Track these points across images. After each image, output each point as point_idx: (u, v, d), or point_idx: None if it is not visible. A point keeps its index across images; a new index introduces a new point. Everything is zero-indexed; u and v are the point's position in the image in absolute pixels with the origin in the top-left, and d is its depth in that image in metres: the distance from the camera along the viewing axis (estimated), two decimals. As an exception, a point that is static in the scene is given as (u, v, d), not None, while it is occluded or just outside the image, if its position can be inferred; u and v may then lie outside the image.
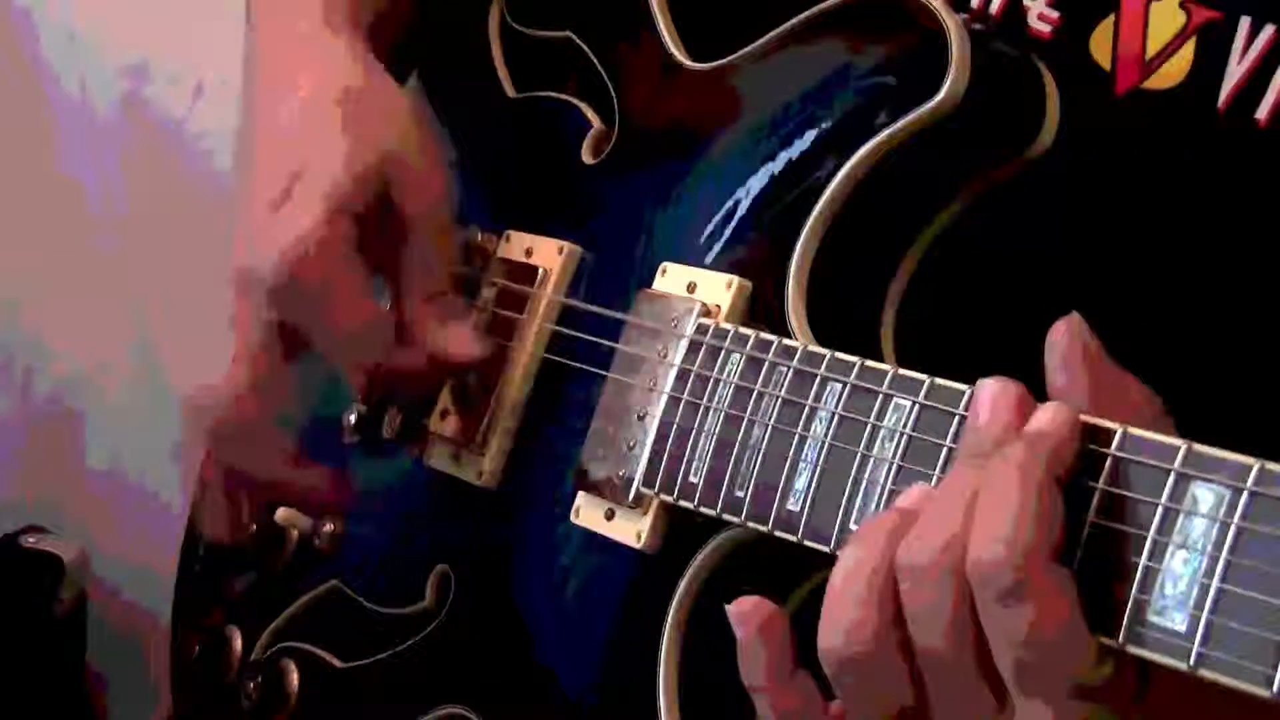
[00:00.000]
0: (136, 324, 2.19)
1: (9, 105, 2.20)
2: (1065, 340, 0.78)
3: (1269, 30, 0.97)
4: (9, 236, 2.19)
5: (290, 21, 1.16)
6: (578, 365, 1.06)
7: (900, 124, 0.94)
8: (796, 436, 0.89)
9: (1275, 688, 0.68)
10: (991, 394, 0.78)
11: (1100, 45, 1.01)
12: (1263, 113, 0.97)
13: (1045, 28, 1.02)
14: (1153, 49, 1.00)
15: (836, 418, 0.88)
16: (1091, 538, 0.75)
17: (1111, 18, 1.01)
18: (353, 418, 1.18)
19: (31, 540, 2.07)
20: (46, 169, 2.21)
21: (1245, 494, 0.71)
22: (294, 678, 1.19)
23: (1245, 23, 0.97)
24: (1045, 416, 0.76)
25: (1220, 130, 0.98)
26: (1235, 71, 0.97)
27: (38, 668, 2.07)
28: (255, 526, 1.23)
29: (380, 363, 1.07)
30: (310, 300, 1.06)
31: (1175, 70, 0.99)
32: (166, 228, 2.14)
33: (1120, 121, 1.00)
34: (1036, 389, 0.79)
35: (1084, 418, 0.76)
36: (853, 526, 0.85)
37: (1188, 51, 0.99)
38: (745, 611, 0.83)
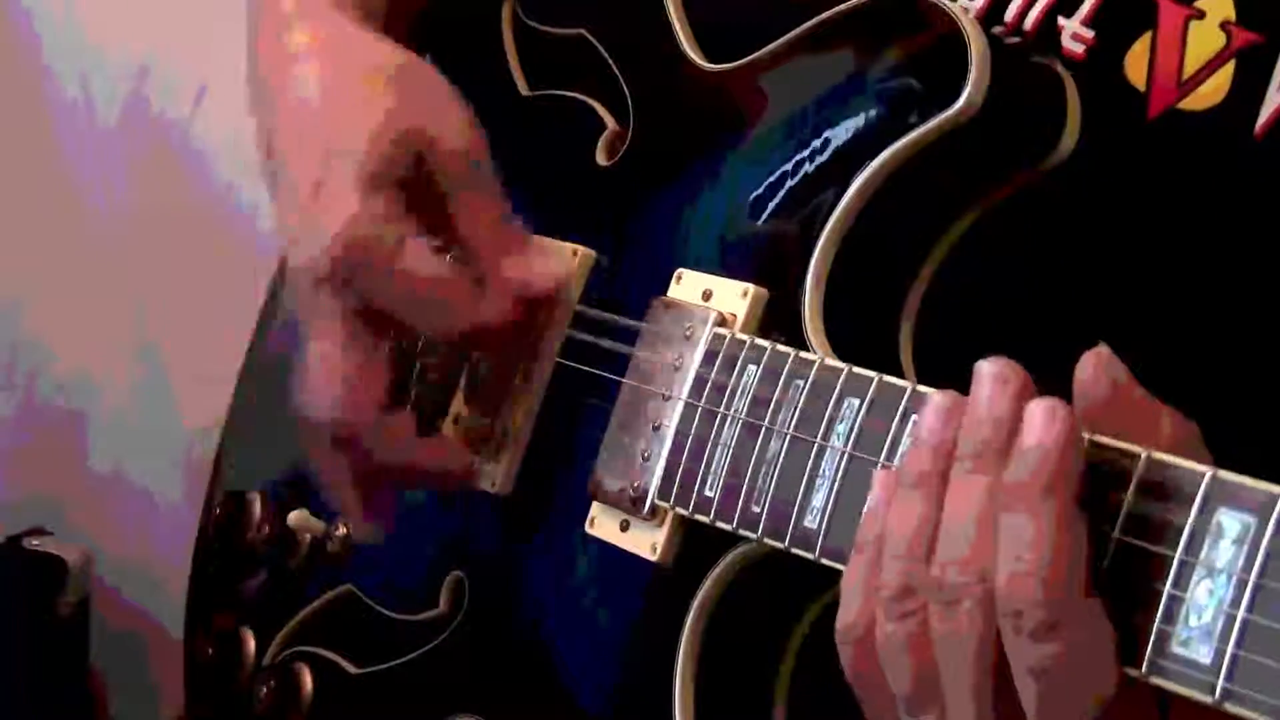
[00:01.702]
0: (139, 325, 2.19)
1: (11, 107, 2.20)
2: (1092, 375, 0.77)
3: None
4: (11, 238, 2.19)
5: (305, 17, 1.14)
6: (592, 371, 1.05)
7: (919, 131, 0.93)
8: (814, 450, 0.89)
9: None
10: (993, 381, 0.77)
11: (1135, 65, 1.00)
12: None
13: (1079, 47, 1.01)
14: (1190, 69, 0.98)
15: (854, 432, 0.87)
16: (1115, 566, 0.74)
17: (1148, 36, 0.99)
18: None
19: (35, 542, 2.06)
20: (49, 171, 2.20)
21: (1272, 523, 0.70)
22: (307, 682, 1.19)
23: None
24: (1051, 431, 0.74)
25: (1256, 155, 0.96)
26: (1275, 97, 0.96)
27: (41, 669, 2.06)
28: (268, 530, 1.23)
29: (472, 318, 1.03)
30: (380, 276, 1.01)
31: (1212, 92, 0.98)
32: (168, 230, 2.13)
33: (1154, 141, 0.99)
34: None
35: (1109, 442, 0.76)
36: None
37: (1226, 73, 0.97)
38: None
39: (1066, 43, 1.01)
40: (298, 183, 1.04)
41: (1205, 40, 0.98)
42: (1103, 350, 0.77)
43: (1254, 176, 0.97)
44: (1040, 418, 0.74)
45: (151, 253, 2.15)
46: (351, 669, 1.17)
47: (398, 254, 1.01)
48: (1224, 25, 0.97)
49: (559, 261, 1.06)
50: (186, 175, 2.11)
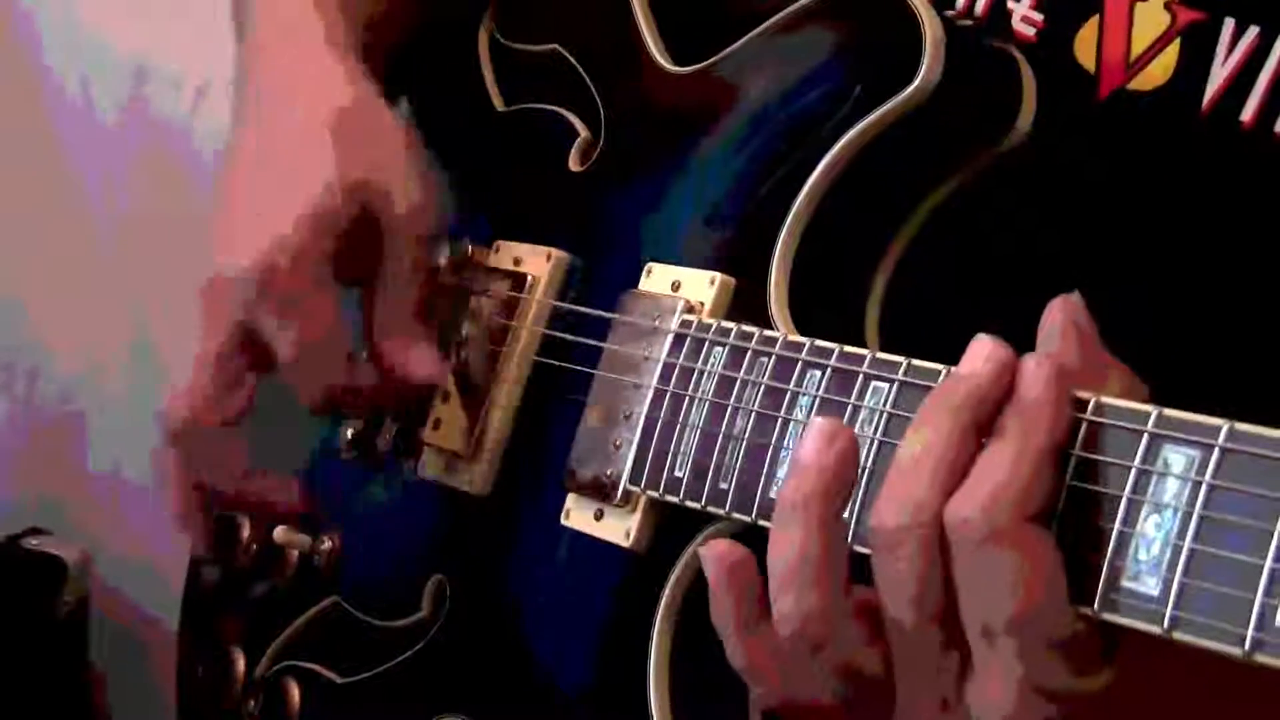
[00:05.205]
0: (138, 325, 2.19)
1: (11, 106, 2.20)
2: (1061, 317, 0.78)
3: (1253, 32, 0.97)
4: (11, 238, 2.19)
5: (289, 36, 1.17)
6: (568, 367, 1.06)
7: (875, 115, 0.95)
8: (779, 425, 0.90)
9: (1247, 646, 0.68)
10: (983, 349, 0.77)
11: (1084, 47, 1.01)
12: (1247, 115, 0.97)
13: (1029, 30, 1.03)
14: (1137, 50, 1.00)
15: (818, 402, 0.88)
16: (1066, 505, 0.75)
17: (1095, 19, 1.01)
18: (349, 432, 1.19)
19: (33, 542, 2.07)
20: (48, 171, 2.21)
21: (1215, 455, 0.71)
22: (295, 695, 1.20)
23: (1230, 24, 0.98)
24: (1039, 387, 0.75)
25: (1204, 131, 0.98)
26: (1220, 73, 0.98)
27: (40, 669, 2.07)
28: (255, 546, 1.23)
29: (336, 378, 1.10)
30: (276, 306, 1.07)
31: (1159, 71, 0.99)
32: (168, 229, 2.12)
33: (1104, 123, 1.01)
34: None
35: None
36: None
37: (1172, 53, 0.99)
38: (718, 554, 0.83)
39: (1017, 25, 1.03)
40: (245, 200, 1.11)
41: (1150, 21, 0.99)
42: (1072, 297, 0.78)
43: (1203, 153, 0.99)
44: (1042, 373, 0.75)
45: (151, 253, 2.15)
46: (337, 679, 1.17)
47: (299, 294, 1.07)
48: (1168, 5, 0.99)
49: (437, 368, 1.11)
50: (186, 174, 2.12)
